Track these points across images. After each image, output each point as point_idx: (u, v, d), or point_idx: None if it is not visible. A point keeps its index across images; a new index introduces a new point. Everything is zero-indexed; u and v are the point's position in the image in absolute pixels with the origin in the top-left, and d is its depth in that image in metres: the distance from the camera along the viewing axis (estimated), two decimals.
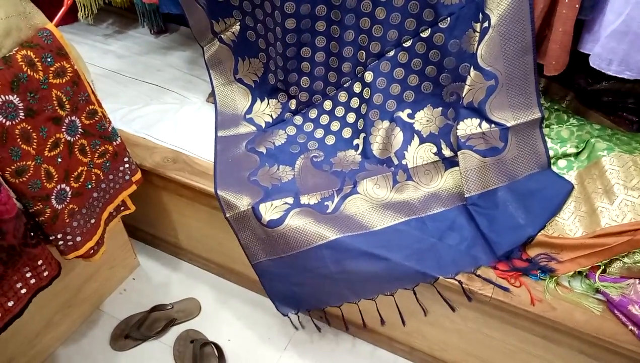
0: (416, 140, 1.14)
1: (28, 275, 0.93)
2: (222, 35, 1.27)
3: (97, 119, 0.98)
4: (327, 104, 1.25)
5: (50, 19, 0.92)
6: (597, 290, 0.92)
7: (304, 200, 1.09)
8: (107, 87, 1.43)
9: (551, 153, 1.05)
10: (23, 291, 0.92)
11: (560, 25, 0.91)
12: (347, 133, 1.23)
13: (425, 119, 1.14)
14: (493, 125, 1.02)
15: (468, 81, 1.02)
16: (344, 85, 1.22)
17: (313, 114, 1.27)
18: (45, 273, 0.96)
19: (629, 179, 0.95)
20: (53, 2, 1.14)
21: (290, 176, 1.15)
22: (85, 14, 1.53)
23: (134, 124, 1.30)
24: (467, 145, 1.04)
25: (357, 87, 1.20)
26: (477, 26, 1.00)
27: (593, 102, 1.18)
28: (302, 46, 1.17)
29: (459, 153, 1.05)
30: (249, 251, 1.13)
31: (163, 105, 1.38)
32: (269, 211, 1.06)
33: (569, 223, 0.97)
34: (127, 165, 1.11)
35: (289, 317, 1.23)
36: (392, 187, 1.12)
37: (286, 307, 1.19)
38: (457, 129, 1.05)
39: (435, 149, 1.12)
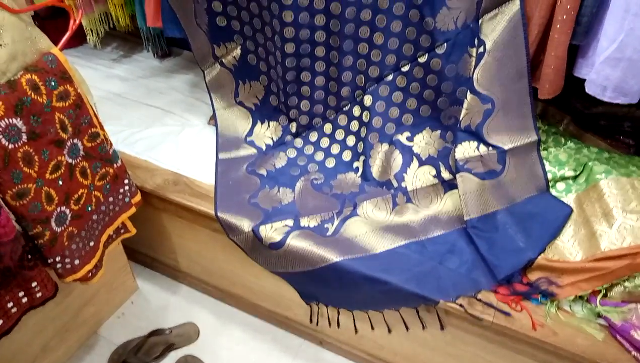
0: (415, 162, 1.15)
1: (20, 294, 0.92)
2: (222, 60, 1.30)
3: (98, 141, 0.99)
4: (327, 127, 1.26)
5: (56, 43, 0.93)
6: (599, 315, 0.91)
7: (304, 222, 1.09)
8: (110, 109, 1.45)
9: (549, 176, 1.05)
10: (14, 310, 0.92)
11: (553, 50, 0.92)
12: (347, 156, 1.24)
13: (424, 142, 1.15)
14: (490, 148, 1.03)
15: (465, 105, 1.03)
16: (344, 109, 1.23)
17: (313, 137, 1.28)
18: (39, 295, 0.95)
19: (627, 202, 0.95)
20: (59, 27, 1.16)
21: (290, 198, 1.16)
22: (94, 39, 1.55)
23: (136, 146, 1.32)
24: (465, 168, 1.04)
25: (356, 111, 1.21)
26: (473, 51, 1.02)
27: (590, 125, 1.19)
28: (301, 70, 1.18)
29: (457, 176, 1.05)
30: (264, 265, 1.13)
31: (165, 127, 1.39)
32: (270, 233, 1.06)
33: (568, 247, 0.97)
34: (127, 187, 1.11)
35: (310, 306, 1.19)
36: (392, 210, 1.12)
37: (309, 298, 1.17)
38: (455, 152, 1.06)
39: (434, 172, 1.13)
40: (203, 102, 1.48)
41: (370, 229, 1.08)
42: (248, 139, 1.31)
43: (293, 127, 1.30)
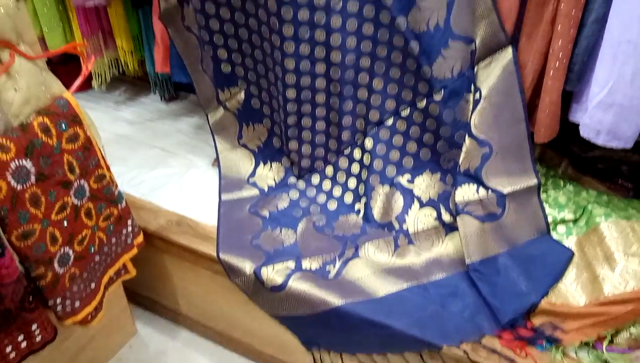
0: (416, 204, 1.16)
1: (20, 338, 0.91)
2: (226, 103, 1.33)
3: (104, 183, 1.01)
4: (329, 170, 1.28)
5: (67, 86, 0.97)
6: (606, 362, 0.90)
7: (306, 264, 1.09)
8: (117, 151, 1.47)
9: (549, 219, 1.06)
10: (12, 355, 0.90)
11: (547, 96, 0.95)
12: (348, 198, 1.26)
13: (424, 184, 1.16)
14: (490, 192, 1.04)
15: (464, 149, 1.05)
16: (345, 152, 1.25)
17: (315, 179, 1.30)
18: (39, 338, 0.94)
19: (629, 245, 0.95)
20: (70, 72, 1.21)
21: (292, 239, 1.16)
22: (99, 83, 1.60)
23: (141, 187, 1.33)
24: (465, 211, 1.05)
25: (357, 154, 1.23)
26: (470, 97, 1.05)
27: (588, 168, 1.21)
28: (302, 116, 1.22)
29: (457, 218, 1.06)
30: (265, 308, 1.12)
31: (169, 168, 1.41)
32: (271, 275, 1.06)
33: (571, 291, 0.96)
34: (130, 228, 1.12)
35: (312, 353, 1.17)
36: (394, 252, 1.12)
37: (311, 344, 1.16)
38: (455, 195, 1.07)
39: (435, 214, 1.13)
40: (208, 144, 1.51)
41: (372, 272, 1.08)
42: (251, 180, 1.33)
43: (295, 169, 1.32)
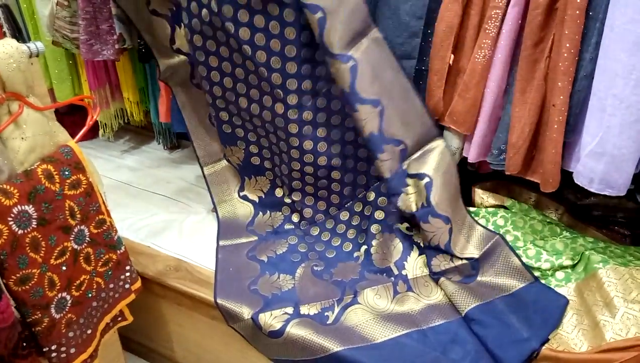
0: (415, 251, 1.16)
1: None
2: (229, 158, 1.37)
3: (104, 228, 1.02)
4: (329, 223, 1.30)
5: (73, 135, 1.00)
6: None
7: (304, 310, 1.08)
8: (118, 197, 1.49)
9: (548, 265, 1.06)
10: None
11: (552, 148, 0.98)
12: (347, 247, 1.26)
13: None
14: (464, 260, 1.08)
15: (430, 229, 1.10)
16: (346, 206, 1.27)
17: (315, 231, 1.31)
18: None
19: (628, 291, 0.95)
20: (76, 121, 1.25)
21: (290, 285, 1.16)
22: (106, 132, 1.65)
23: (140, 232, 1.34)
24: (444, 276, 1.09)
25: (357, 207, 1.25)
26: (409, 189, 1.14)
27: (584, 216, 1.22)
28: (306, 174, 1.24)
29: (439, 282, 1.09)
30: (264, 353, 1.11)
31: (169, 214, 1.43)
32: (269, 320, 1.05)
33: (572, 337, 0.95)
34: (128, 274, 1.12)
35: None
36: (393, 298, 1.11)
37: None
38: (431, 265, 1.11)
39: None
40: (207, 190, 1.53)
41: (371, 317, 1.07)
42: (249, 228, 1.34)
43: (295, 217, 1.33)
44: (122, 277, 1.11)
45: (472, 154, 1.13)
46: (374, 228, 1.20)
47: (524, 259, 1.08)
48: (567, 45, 0.91)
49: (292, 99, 1.12)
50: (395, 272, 1.15)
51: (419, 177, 1.11)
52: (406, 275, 1.13)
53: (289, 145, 1.19)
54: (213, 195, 1.38)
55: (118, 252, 1.07)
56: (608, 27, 0.87)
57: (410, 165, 1.14)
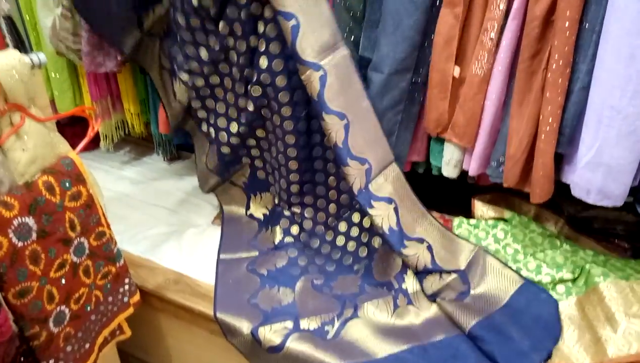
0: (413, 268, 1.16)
1: None
2: (233, 180, 1.38)
3: (104, 240, 1.02)
4: (329, 234, 1.29)
5: (73, 147, 1.00)
6: None
7: (304, 324, 1.07)
8: (118, 209, 1.49)
9: (548, 278, 1.06)
10: None
11: (541, 158, 0.99)
12: (347, 260, 1.25)
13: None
14: (452, 273, 1.08)
15: (411, 252, 1.11)
16: (344, 216, 1.26)
17: (315, 243, 1.30)
18: None
19: (629, 306, 0.94)
20: (77, 133, 1.25)
21: (290, 298, 1.15)
22: (107, 143, 1.65)
23: (140, 245, 1.34)
24: (439, 297, 1.09)
25: (355, 217, 1.24)
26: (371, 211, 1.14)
27: (584, 228, 1.22)
28: (304, 183, 1.25)
29: (435, 304, 1.10)
30: None
31: (169, 227, 1.42)
32: (269, 335, 1.04)
33: (574, 352, 0.94)
34: (127, 287, 1.12)
35: None
36: (393, 312, 1.11)
37: None
38: (424, 288, 1.11)
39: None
40: (208, 202, 1.53)
41: (371, 332, 1.06)
42: (252, 243, 1.34)
43: (295, 229, 1.32)
44: (121, 290, 1.10)
45: (473, 167, 1.14)
46: (375, 241, 1.20)
47: (524, 272, 1.08)
48: (556, 56, 0.92)
49: (286, 111, 1.13)
50: (396, 285, 1.14)
51: (386, 200, 1.12)
52: (406, 289, 1.13)
53: (287, 157, 1.19)
54: (224, 210, 1.39)
55: (117, 264, 1.07)
56: (604, 38, 0.88)
57: (375, 187, 1.13)
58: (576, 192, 0.98)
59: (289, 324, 1.07)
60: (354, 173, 1.10)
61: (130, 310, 1.13)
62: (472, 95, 1.07)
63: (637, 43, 0.82)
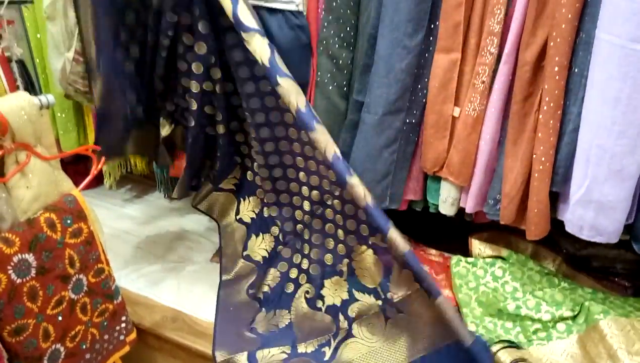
0: (397, 267, 1.11)
1: None
2: (222, 186, 1.40)
3: (103, 277, 1.02)
4: (306, 233, 1.27)
5: (76, 184, 1.02)
6: None
7: (301, 348, 1.08)
8: (118, 246, 1.49)
9: (548, 316, 1.05)
10: None
11: (535, 196, 1.00)
12: (329, 259, 1.22)
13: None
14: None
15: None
16: (317, 213, 1.24)
17: (297, 244, 1.28)
18: None
19: (631, 343, 0.94)
20: (79, 171, 1.28)
21: (287, 320, 1.16)
22: (110, 181, 1.68)
23: (138, 282, 1.33)
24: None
25: (329, 214, 1.21)
26: None
27: (584, 266, 1.22)
28: (276, 180, 1.27)
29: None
30: None
31: (168, 264, 1.43)
32: (266, 359, 1.04)
33: None
34: (123, 325, 1.11)
35: None
36: (386, 325, 1.10)
37: None
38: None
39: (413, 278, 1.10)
40: (207, 239, 1.53)
41: (367, 351, 1.07)
42: (244, 253, 1.34)
43: (281, 236, 1.31)
44: (118, 328, 1.09)
45: (470, 205, 1.15)
46: (350, 239, 1.16)
47: (524, 310, 1.07)
48: (547, 99, 0.96)
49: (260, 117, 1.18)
50: (382, 294, 1.11)
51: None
52: (392, 297, 1.10)
53: (269, 165, 1.22)
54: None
55: (115, 302, 1.06)
56: (590, 82, 0.91)
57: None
58: (569, 228, 0.99)
59: (287, 349, 1.07)
60: (323, 138, 1.05)
61: (127, 349, 1.12)
62: (465, 136, 1.10)
63: (621, 87, 0.86)
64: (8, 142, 0.87)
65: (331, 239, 1.25)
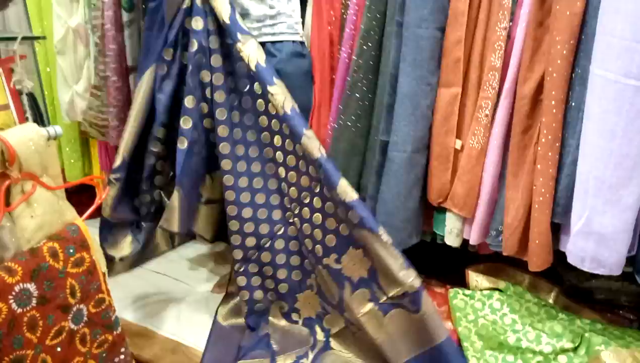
0: (348, 287, 1.12)
1: None
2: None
3: (103, 307, 1.02)
4: (267, 256, 1.25)
5: (80, 214, 1.03)
6: None
7: (280, 361, 1.11)
8: (119, 276, 1.49)
9: (549, 348, 1.04)
10: None
11: (536, 227, 1.00)
12: (297, 275, 1.24)
13: (351, 263, 1.12)
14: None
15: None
16: (278, 233, 1.23)
17: (266, 257, 1.25)
18: None
19: None
20: (82, 201, 1.29)
21: (264, 331, 1.20)
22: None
23: (138, 312, 1.33)
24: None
25: (291, 231, 1.22)
26: None
27: (587, 298, 1.20)
28: (242, 191, 1.23)
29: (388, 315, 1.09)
30: None
31: (169, 294, 1.42)
32: None
33: None
34: (122, 356, 1.09)
35: None
36: (354, 339, 1.14)
37: None
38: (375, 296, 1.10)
39: (369, 296, 1.10)
40: (209, 271, 1.53)
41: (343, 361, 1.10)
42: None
43: (239, 253, 1.26)
44: (116, 359, 1.08)
45: (473, 237, 1.15)
46: (307, 263, 1.21)
47: (525, 343, 1.06)
48: (545, 132, 0.98)
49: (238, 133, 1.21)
50: (346, 314, 1.14)
51: None
52: (349, 317, 1.13)
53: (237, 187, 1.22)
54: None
55: (114, 332, 1.05)
56: (586, 116, 0.93)
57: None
58: (571, 259, 0.98)
59: (266, 362, 1.10)
60: (312, 135, 1.09)
61: None
62: (470, 168, 1.11)
63: (616, 120, 0.87)
64: (15, 172, 0.89)
65: (297, 257, 1.24)
